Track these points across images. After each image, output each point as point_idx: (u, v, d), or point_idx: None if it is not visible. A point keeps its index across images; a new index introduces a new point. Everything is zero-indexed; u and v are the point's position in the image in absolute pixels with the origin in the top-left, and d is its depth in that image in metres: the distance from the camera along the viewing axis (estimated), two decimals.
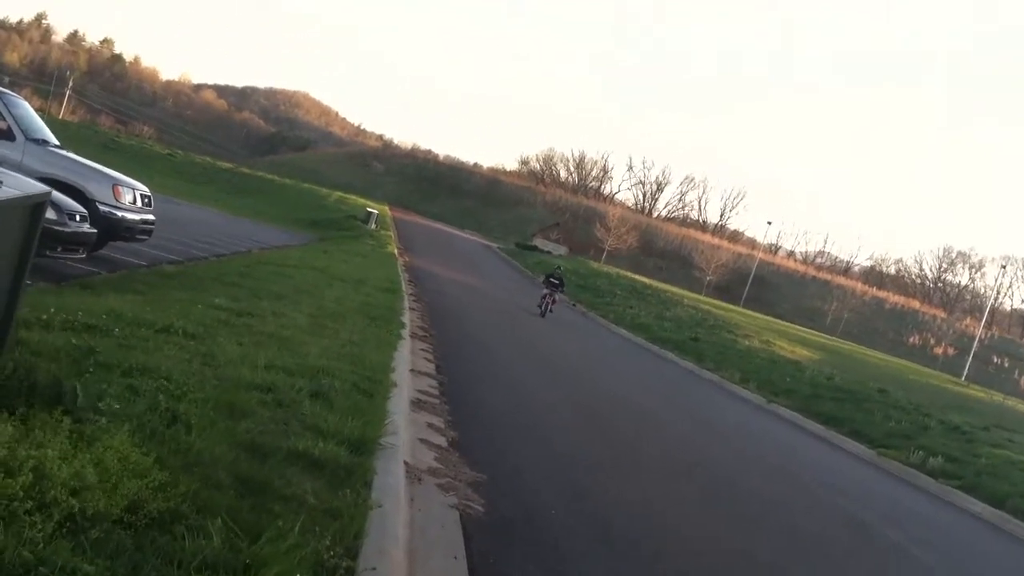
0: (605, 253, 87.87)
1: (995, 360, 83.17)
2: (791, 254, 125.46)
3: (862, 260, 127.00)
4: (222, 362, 6.64)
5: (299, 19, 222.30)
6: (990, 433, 23.09)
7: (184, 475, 4.01)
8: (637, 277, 62.79)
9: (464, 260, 48.17)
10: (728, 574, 6.68)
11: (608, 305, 40.88)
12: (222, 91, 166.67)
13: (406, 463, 6.26)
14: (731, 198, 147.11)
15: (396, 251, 36.96)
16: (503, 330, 21.47)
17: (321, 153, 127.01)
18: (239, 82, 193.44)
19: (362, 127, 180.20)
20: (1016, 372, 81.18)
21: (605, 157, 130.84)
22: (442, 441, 7.63)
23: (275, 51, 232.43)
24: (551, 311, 27.99)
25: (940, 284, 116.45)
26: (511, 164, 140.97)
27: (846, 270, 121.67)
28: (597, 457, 9.58)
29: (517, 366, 15.67)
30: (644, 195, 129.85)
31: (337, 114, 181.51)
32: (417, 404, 8.72)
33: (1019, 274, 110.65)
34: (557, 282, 29.33)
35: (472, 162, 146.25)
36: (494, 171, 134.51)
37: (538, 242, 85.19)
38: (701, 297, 65.79)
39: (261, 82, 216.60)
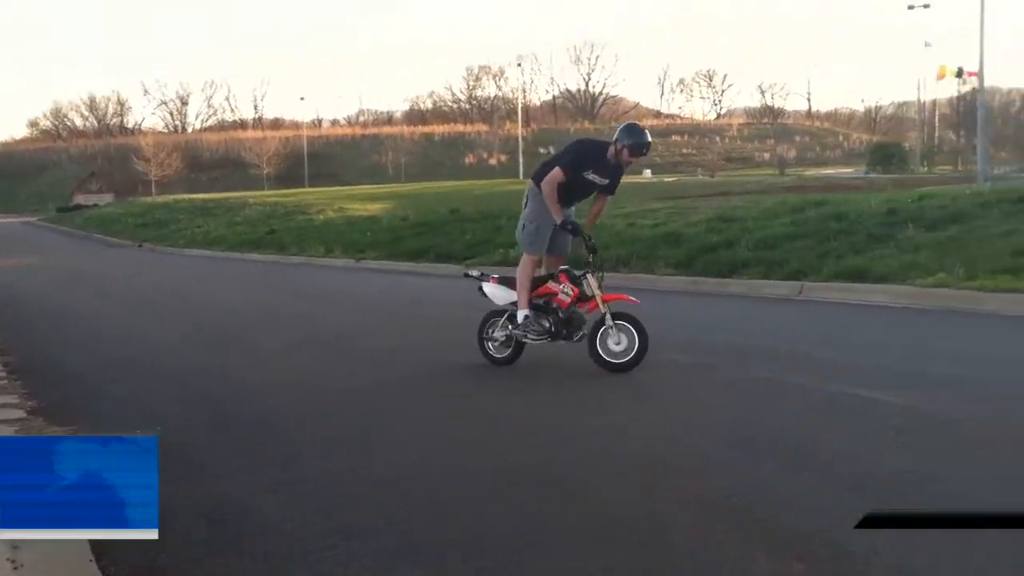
0: (154, 184, 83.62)
1: (542, 151, 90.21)
2: (335, 122, 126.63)
3: (400, 105, 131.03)
4: None
5: None
6: None
7: None
8: (195, 196, 60.57)
9: None
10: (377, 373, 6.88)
11: (176, 233, 39.23)
12: None
13: None
14: (258, 87, 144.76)
15: None
16: (65, 291, 19.90)
17: None
18: None
19: None
20: None
21: (116, 91, 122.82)
22: (21, 414, 7.08)
23: None
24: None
25: (475, 102, 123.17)
26: (20, 131, 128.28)
27: (390, 119, 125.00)
28: (202, 363, 9.34)
29: (90, 320, 14.71)
30: (172, 114, 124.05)
31: None
32: None
33: (534, 67, 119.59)
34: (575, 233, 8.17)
35: None
36: (3, 145, 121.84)
37: (80, 199, 79.09)
38: (265, 192, 64.90)
39: None
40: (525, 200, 8.28)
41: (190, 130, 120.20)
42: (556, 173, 7.95)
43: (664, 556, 3.90)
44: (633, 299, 7.95)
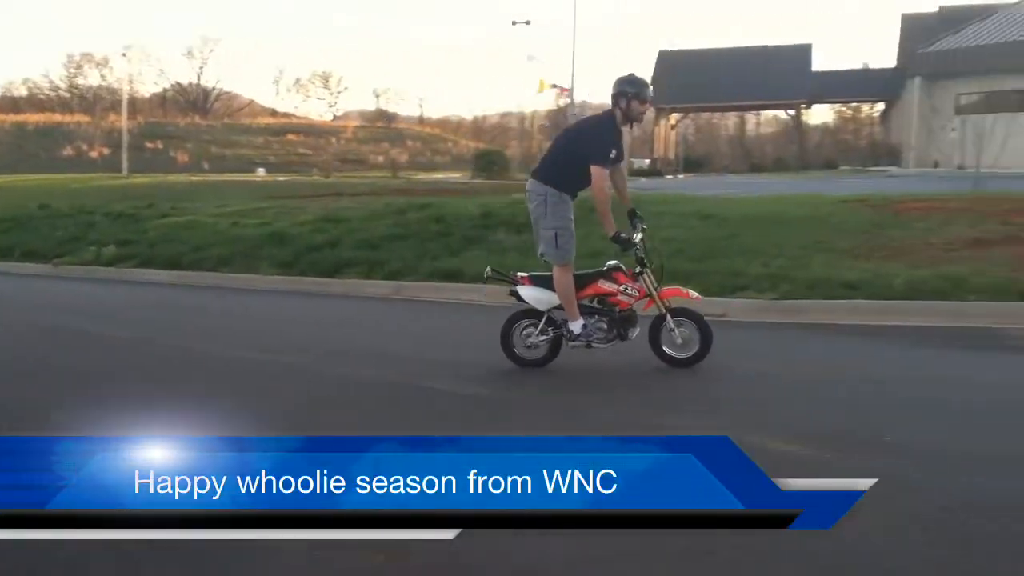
0: None
1: (149, 145, 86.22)
2: None
3: None
4: None
5: None
6: (155, 208, 24.24)
7: None
8: None
9: None
10: None
11: None
12: None
13: None
14: None
15: None
16: None
17: None
18: None
19: None
20: (169, 150, 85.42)
21: None
22: None
23: None
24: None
25: (76, 91, 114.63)
26: None
27: None
28: None
29: None
30: None
31: None
32: None
33: (143, 58, 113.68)
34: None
35: None
36: None
37: None
38: None
39: None
40: (542, 209, 7.46)
41: None
42: (602, 174, 7.29)
43: None
44: (692, 294, 7.75)
